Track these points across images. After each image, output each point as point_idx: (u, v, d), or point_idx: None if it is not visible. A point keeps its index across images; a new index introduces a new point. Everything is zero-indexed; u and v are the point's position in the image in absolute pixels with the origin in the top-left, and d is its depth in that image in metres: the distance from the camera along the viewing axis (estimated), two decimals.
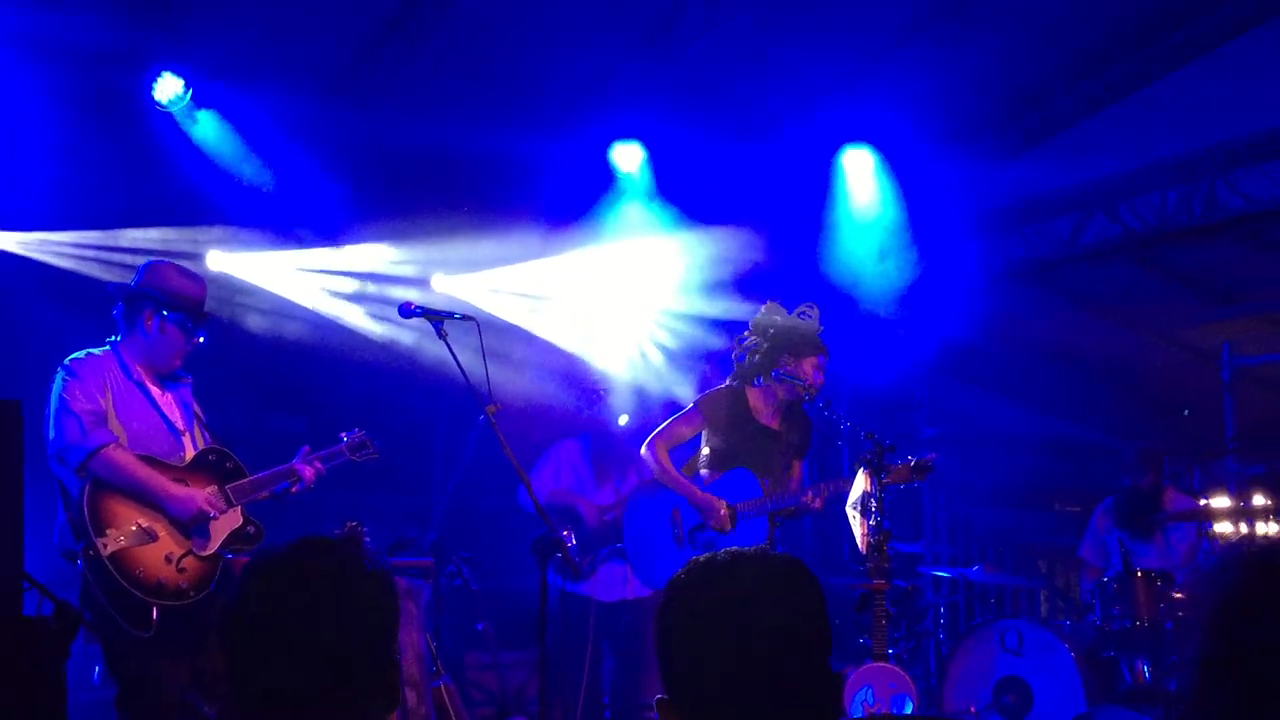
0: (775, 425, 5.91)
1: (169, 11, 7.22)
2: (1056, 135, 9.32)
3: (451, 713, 6.27)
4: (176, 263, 5.40)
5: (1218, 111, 8.45)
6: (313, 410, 8.26)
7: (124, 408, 4.94)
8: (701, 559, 2.19)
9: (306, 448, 5.34)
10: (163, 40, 7.34)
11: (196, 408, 5.28)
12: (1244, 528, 8.31)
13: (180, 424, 5.12)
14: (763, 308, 6.20)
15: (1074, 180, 9.22)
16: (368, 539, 5.68)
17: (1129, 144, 8.93)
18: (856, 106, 8.78)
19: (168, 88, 7.46)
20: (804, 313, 6.05)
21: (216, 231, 7.99)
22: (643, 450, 5.98)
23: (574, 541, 6.84)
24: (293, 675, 2.03)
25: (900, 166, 9.10)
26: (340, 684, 2.05)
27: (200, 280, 5.32)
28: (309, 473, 5.23)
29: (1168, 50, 8.53)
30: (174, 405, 5.14)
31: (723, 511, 5.61)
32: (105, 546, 4.64)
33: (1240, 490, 8.33)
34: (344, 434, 5.48)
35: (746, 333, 6.14)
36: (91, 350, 5.03)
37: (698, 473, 5.99)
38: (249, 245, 8.20)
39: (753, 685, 2.00)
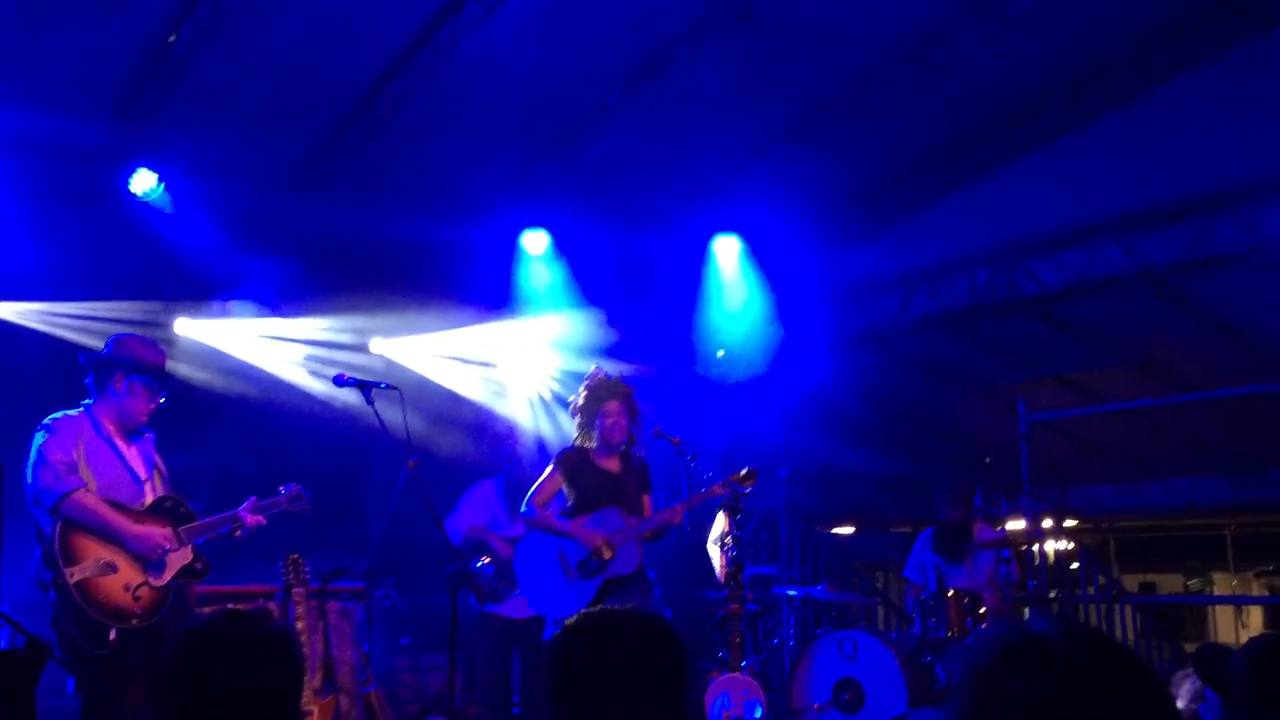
0: (616, 469, 5.80)
1: (146, 118, 7.14)
2: (889, 228, 9.55)
3: (380, 714, 6.19)
4: (139, 334, 5.39)
5: (1017, 212, 8.74)
6: (265, 455, 8.14)
7: (94, 460, 4.90)
8: (577, 620, 2.19)
9: (254, 498, 5.30)
10: (139, 141, 7.27)
11: (158, 459, 5.23)
12: (1036, 546, 8.54)
13: (142, 474, 5.07)
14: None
15: (903, 265, 9.44)
16: (307, 568, 5.63)
17: (947, 236, 9.17)
18: (728, 202, 8.92)
19: (143, 181, 7.37)
20: (594, 373, 5.96)
21: (184, 304, 7.88)
22: (523, 510, 5.83)
23: (493, 568, 6.84)
24: None
25: (762, 251, 9.23)
26: None
27: (160, 349, 5.29)
28: (250, 520, 5.20)
29: (976, 162, 8.81)
30: (138, 458, 5.10)
31: (599, 542, 5.56)
32: (72, 576, 4.59)
33: (1033, 518, 8.53)
34: (282, 487, 5.43)
35: (571, 398, 6.05)
36: (68, 411, 4.99)
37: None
38: (212, 314, 8.10)
39: None
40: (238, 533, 5.17)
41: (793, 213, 9.11)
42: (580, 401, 5.86)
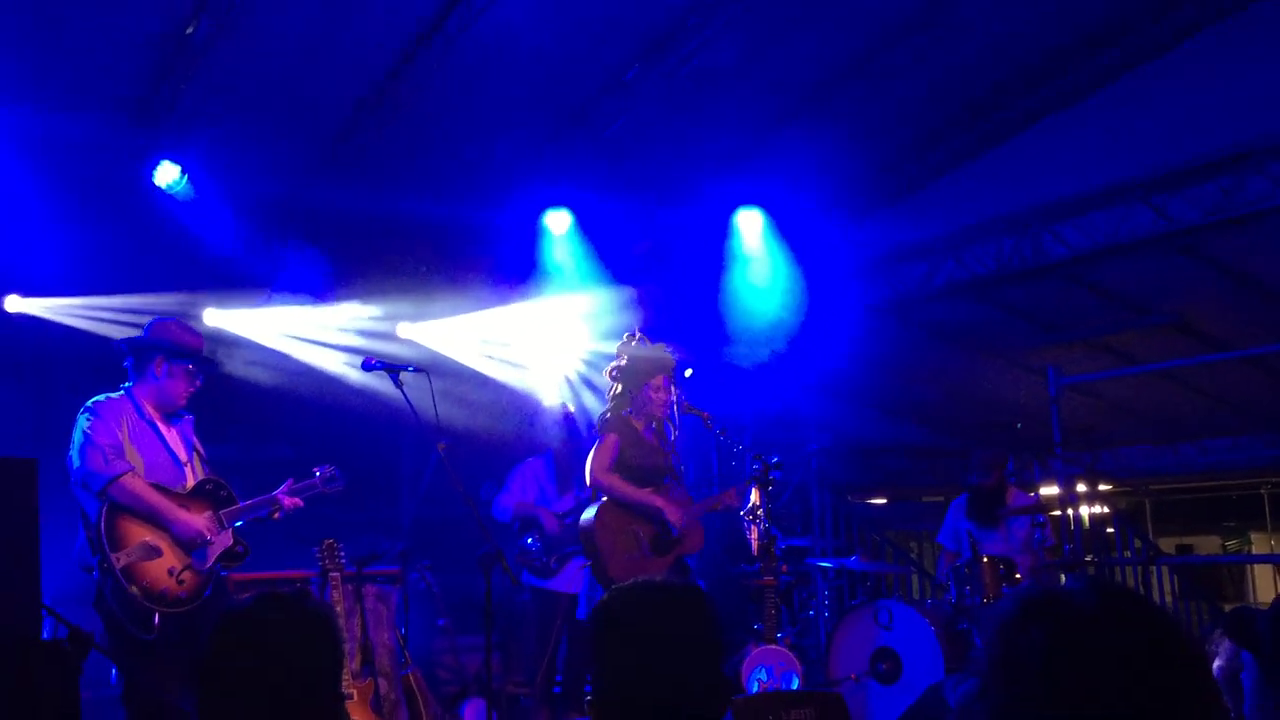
0: (654, 441, 5.75)
1: (167, 110, 7.17)
2: (912, 196, 9.46)
3: (419, 696, 6.25)
4: (177, 318, 5.45)
5: (1042, 176, 8.63)
6: (298, 441, 8.22)
7: (138, 442, 4.96)
8: (620, 589, 2.30)
9: (291, 480, 5.37)
10: (160, 133, 7.30)
11: (196, 442, 5.29)
12: (1070, 511, 8.50)
13: (183, 456, 5.13)
14: (618, 345, 5.96)
15: (927, 234, 9.36)
16: (343, 553, 5.68)
17: (971, 202, 9.08)
18: (748, 175, 8.87)
19: (166, 174, 7.41)
20: (642, 340, 5.82)
21: (212, 293, 7.94)
22: (591, 479, 5.64)
23: (539, 544, 6.89)
24: (251, 715, 2.04)
25: (785, 224, 9.18)
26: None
27: (198, 333, 5.34)
28: (288, 502, 5.28)
29: (998, 125, 8.72)
30: (178, 440, 5.16)
31: (684, 520, 5.50)
32: (119, 560, 4.66)
33: (1066, 482, 8.48)
34: (316, 469, 5.48)
35: (606, 370, 5.92)
36: (109, 394, 5.04)
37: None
38: (240, 304, 8.15)
39: (663, 688, 2.12)
40: (276, 515, 5.24)
41: (815, 184, 9.05)
42: (625, 367, 5.74)
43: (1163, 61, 7.85)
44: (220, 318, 8.10)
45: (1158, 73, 7.88)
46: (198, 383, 5.20)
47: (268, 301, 8.28)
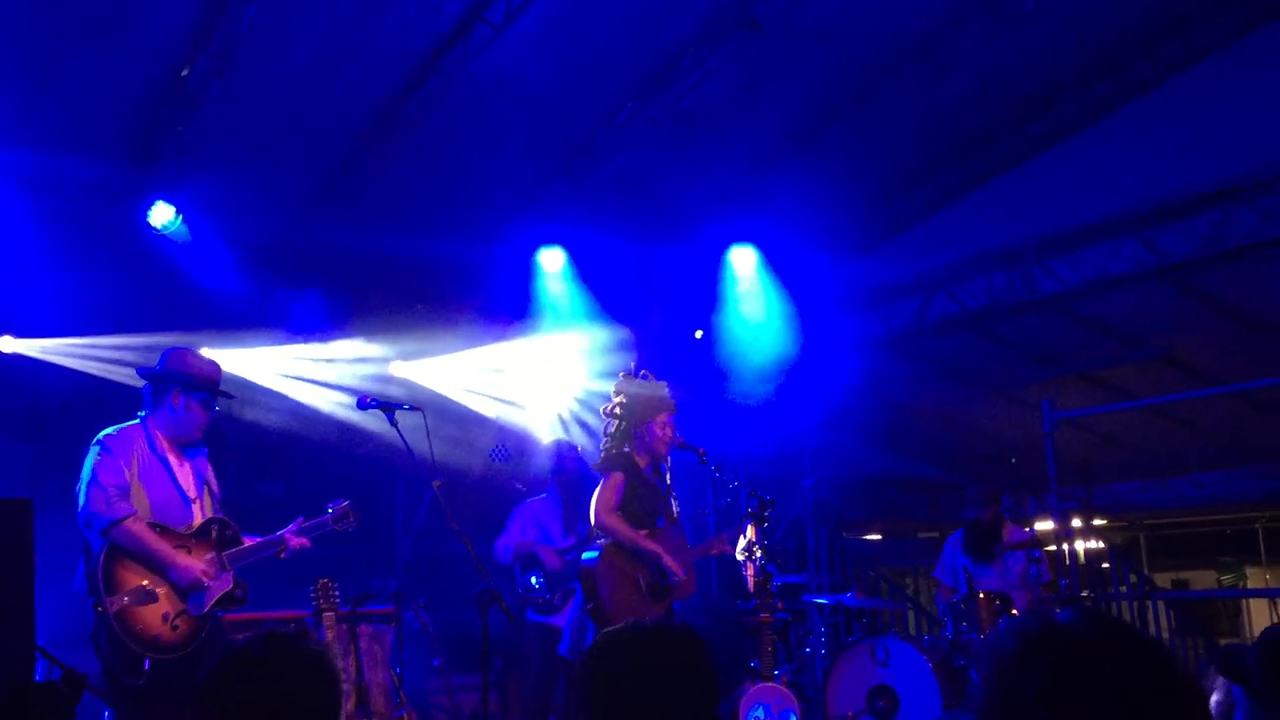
0: (654, 478, 5.76)
1: (162, 150, 7.21)
2: (905, 231, 9.52)
3: None
4: (193, 348, 5.41)
5: (1033, 210, 8.69)
6: (289, 480, 8.19)
7: (147, 479, 4.91)
8: (612, 632, 2.27)
9: (301, 519, 5.32)
10: (155, 174, 7.33)
11: (210, 476, 5.23)
12: (1065, 546, 8.48)
13: (192, 492, 5.08)
14: (616, 381, 5.97)
15: (920, 268, 9.41)
16: (337, 592, 5.63)
17: (963, 237, 9.14)
18: (742, 212, 8.92)
19: (161, 214, 7.43)
20: (645, 376, 5.82)
21: (206, 333, 7.92)
22: (596, 520, 5.60)
23: (544, 582, 6.88)
24: None
25: (778, 261, 9.22)
26: None
27: (215, 364, 5.31)
28: (294, 543, 5.23)
29: (989, 160, 8.79)
30: (190, 474, 5.10)
31: (681, 571, 5.49)
32: (113, 605, 4.63)
33: (1061, 517, 8.47)
34: (330, 505, 5.41)
35: (605, 407, 5.91)
36: (124, 425, 4.99)
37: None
38: (236, 344, 8.15)
39: None
40: (282, 554, 5.19)
41: (808, 220, 9.09)
42: (628, 404, 5.75)
43: (1152, 97, 7.94)
44: (213, 356, 8.08)
45: (1147, 108, 7.96)
46: (214, 413, 5.17)
47: (263, 341, 8.27)
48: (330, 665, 2.12)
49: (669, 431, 5.65)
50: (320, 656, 2.11)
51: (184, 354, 5.21)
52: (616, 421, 5.76)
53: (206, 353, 7.91)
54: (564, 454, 7.40)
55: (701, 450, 5.78)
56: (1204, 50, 7.66)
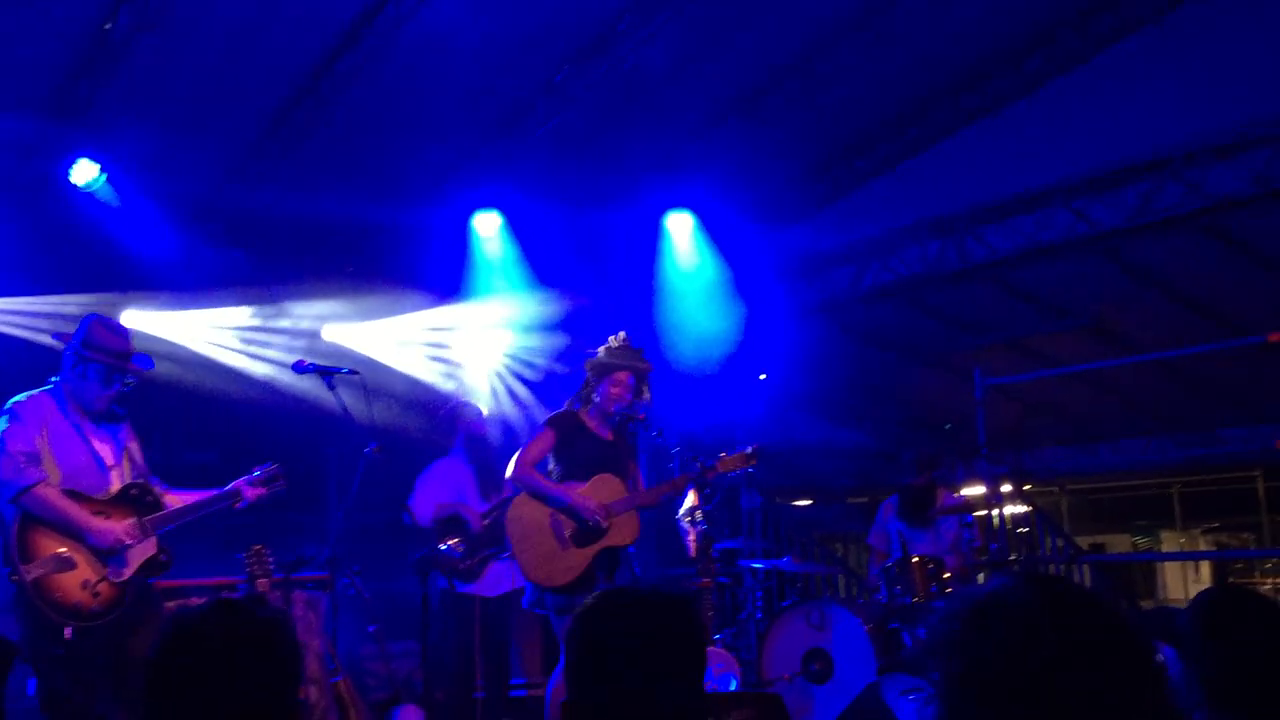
0: (609, 437, 5.71)
1: (84, 107, 6.97)
2: (840, 200, 9.56)
3: (349, 703, 6.12)
4: (106, 316, 5.21)
5: (967, 180, 8.78)
6: (221, 445, 8.02)
7: (57, 445, 4.74)
8: (608, 593, 2.22)
9: (257, 471, 5.18)
10: (78, 131, 7.09)
11: (133, 446, 5.06)
12: (995, 511, 8.62)
13: (110, 460, 4.91)
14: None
15: (855, 237, 9.46)
16: (271, 559, 5.52)
17: (897, 206, 9.21)
18: (679, 178, 8.88)
19: (84, 172, 7.19)
20: (609, 342, 5.82)
21: (132, 295, 7.72)
22: (511, 473, 5.61)
23: (463, 548, 6.69)
24: None
25: (714, 227, 9.19)
26: None
27: (123, 333, 5.09)
28: (251, 493, 5.09)
29: (925, 131, 8.85)
30: (107, 441, 4.94)
31: (599, 512, 5.47)
32: (29, 573, 4.48)
33: (993, 482, 8.59)
34: (257, 468, 5.28)
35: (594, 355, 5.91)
36: (34, 392, 4.82)
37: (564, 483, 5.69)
38: (162, 306, 7.94)
39: (641, 700, 2.05)
40: (237, 504, 5.06)
41: (744, 187, 9.09)
42: (597, 360, 5.74)
43: (1084, 70, 8.04)
44: (140, 319, 7.88)
45: (1079, 81, 8.07)
46: (120, 385, 4.98)
47: (190, 303, 8.07)
48: (289, 633, 2.03)
49: (619, 390, 5.62)
50: (278, 624, 2.02)
51: (92, 322, 5.00)
52: (584, 385, 5.76)
53: (132, 315, 7.77)
54: (471, 420, 7.26)
55: (642, 415, 5.75)
56: (1135, 24, 7.77)
